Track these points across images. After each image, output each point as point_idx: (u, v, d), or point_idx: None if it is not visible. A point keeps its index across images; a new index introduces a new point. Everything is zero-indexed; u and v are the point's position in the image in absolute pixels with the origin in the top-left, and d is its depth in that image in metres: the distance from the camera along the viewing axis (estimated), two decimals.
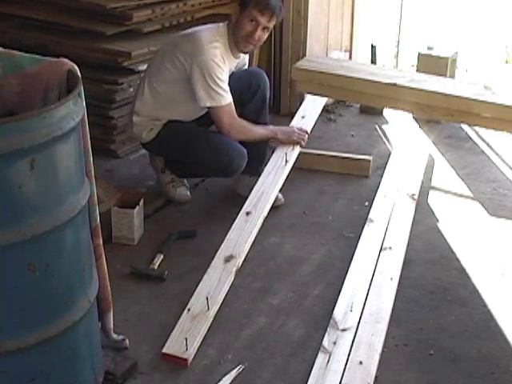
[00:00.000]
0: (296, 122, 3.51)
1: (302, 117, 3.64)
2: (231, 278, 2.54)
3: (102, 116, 3.62)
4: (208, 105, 2.98)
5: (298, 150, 3.27)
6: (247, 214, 2.82)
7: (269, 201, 2.89)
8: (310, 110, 3.69)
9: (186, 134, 3.09)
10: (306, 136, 3.28)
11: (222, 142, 3.07)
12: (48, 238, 1.69)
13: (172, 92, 3.07)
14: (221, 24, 3.08)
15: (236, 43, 3.03)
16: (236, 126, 3.05)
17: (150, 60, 3.24)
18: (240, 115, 3.21)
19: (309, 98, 3.80)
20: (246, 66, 3.37)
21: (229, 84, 3.06)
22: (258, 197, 2.91)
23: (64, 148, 1.69)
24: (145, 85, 3.10)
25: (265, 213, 2.85)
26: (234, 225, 2.75)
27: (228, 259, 2.60)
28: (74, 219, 1.76)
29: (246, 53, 3.15)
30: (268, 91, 3.30)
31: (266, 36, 3.05)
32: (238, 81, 3.17)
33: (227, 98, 2.99)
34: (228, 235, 2.71)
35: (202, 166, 3.13)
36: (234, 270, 2.56)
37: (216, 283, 2.48)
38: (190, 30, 3.09)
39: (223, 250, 2.63)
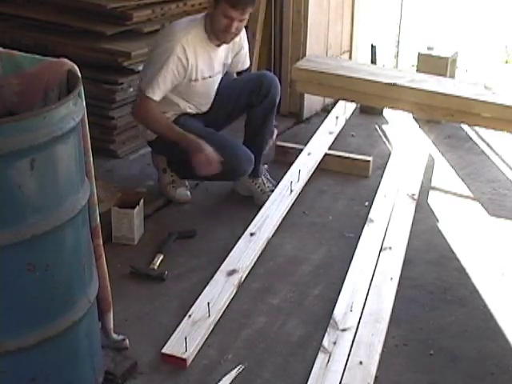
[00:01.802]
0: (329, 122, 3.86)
1: (336, 117, 3.93)
2: (234, 290, 2.56)
3: (102, 116, 3.62)
4: (143, 90, 2.94)
5: (303, 181, 3.36)
6: (251, 234, 2.89)
7: (273, 224, 2.98)
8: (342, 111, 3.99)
9: (194, 134, 3.07)
10: (213, 167, 2.96)
11: (231, 145, 3.06)
12: (48, 238, 1.69)
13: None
14: (198, 16, 3.07)
15: (215, 36, 3.00)
16: (148, 116, 2.99)
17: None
18: (248, 116, 3.21)
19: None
20: (245, 50, 3.28)
21: (239, 85, 3.10)
22: (262, 221, 3.00)
23: (64, 148, 1.69)
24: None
25: (269, 234, 2.93)
26: (237, 244, 2.81)
27: (231, 273, 2.63)
28: (74, 219, 1.76)
29: (228, 43, 3.08)
30: (278, 97, 3.26)
31: (244, 24, 3.00)
32: (249, 82, 3.17)
33: (157, 95, 2.93)
34: (231, 253, 2.75)
35: None
36: (237, 283, 2.58)
37: (218, 293, 2.50)
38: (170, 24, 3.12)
39: (226, 265, 2.67)
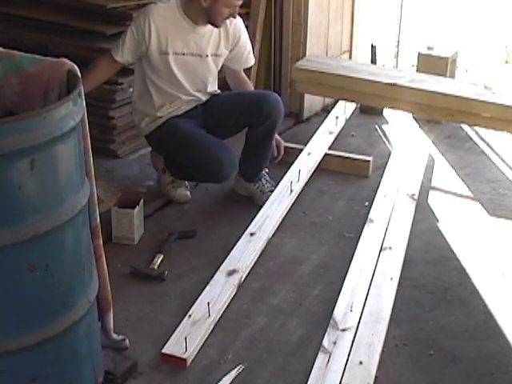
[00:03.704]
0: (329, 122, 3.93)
1: (336, 117, 3.96)
2: (234, 290, 2.56)
3: (101, 116, 3.62)
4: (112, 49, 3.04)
5: (303, 181, 3.36)
6: (251, 234, 2.89)
7: (273, 224, 2.98)
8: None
9: (184, 131, 3.07)
10: None
11: (216, 146, 3.05)
12: (48, 237, 1.69)
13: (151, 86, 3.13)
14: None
15: (211, 22, 3.00)
16: (98, 59, 3.08)
17: None
18: (248, 132, 3.21)
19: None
20: (244, 41, 3.23)
21: (243, 102, 3.13)
22: (262, 221, 3.00)
23: (64, 148, 1.69)
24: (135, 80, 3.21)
25: (269, 234, 2.93)
26: (237, 244, 2.81)
27: (231, 273, 2.63)
28: (74, 219, 1.76)
29: (220, 27, 3.07)
30: (280, 120, 3.20)
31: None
32: (251, 104, 3.15)
33: (116, 55, 3.01)
34: (231, 253, 2.75)
35: (193, 166, 3.11)
36: (237, 283, 2.58)
37: (218, 293, 2.50)
38: None
39: (226, 265, 2.67)
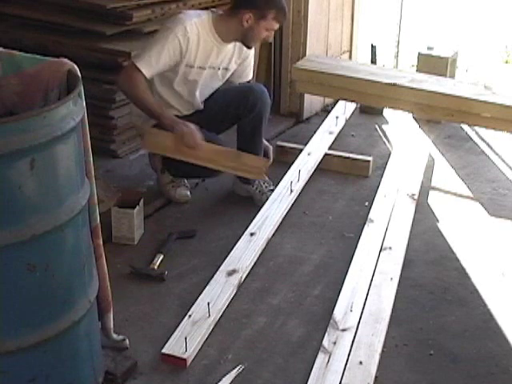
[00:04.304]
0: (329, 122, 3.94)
1: (336, 117, 3.96)
2: (234, 290, 2.57)
3: (101, 116, 3.62)
4: (134, 58, 2.94)
5: (303, 181, 3.37)
6: (251, 234, 2.90)
7: (273, 224, 2.99)
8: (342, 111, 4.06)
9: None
10: (198, 143, 2.93)
11: (215, 139, 3.06)
12: (48, 238, 1.69)
13: (163, 91, 3.09)
14: (204, 11, 3.07)
15: (245, 42, 3.05)
16: (130, 78, 2.90)
17: None
18: (238, 127, 3.21)
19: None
20: (250, 60, 3.29)
21: (229, 94, 3.11)
22: (262, 221, 3.00)
23: (64, 148, 1.69)
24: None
25: (269, 234, 2.93)
26: (237, 244, 2.82)
27: (231, 273, 2.63)
28: (74, 219, 1.76)
29: (252, 47, 3.16)
30: (267, 111, 3.19)
31: None
32: (237, 94, 3.16)
33: (146, 70, 2.88)
34: (231, 253, 2.76)
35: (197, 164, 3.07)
36: (237, 283, 2.58)
37: (218, 293, 2.51)
38: None
39: (226, 265, 2.68)
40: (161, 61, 2.91)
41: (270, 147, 3.39)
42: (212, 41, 3.03)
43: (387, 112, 4.47)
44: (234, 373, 2.20)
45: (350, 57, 4.84)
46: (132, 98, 3.02)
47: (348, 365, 2.19)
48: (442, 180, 3.64)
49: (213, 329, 2.38)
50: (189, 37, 2.93)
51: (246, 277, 2.69)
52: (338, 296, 2.54)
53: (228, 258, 2.73)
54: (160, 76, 3.04)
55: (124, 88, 3.00)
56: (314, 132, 3.90)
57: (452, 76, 4.44)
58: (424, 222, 3.18)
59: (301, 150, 3.65)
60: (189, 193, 3.32)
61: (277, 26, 3.06)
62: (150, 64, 2.90)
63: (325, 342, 2.29)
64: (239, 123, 3.21)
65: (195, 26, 2.96)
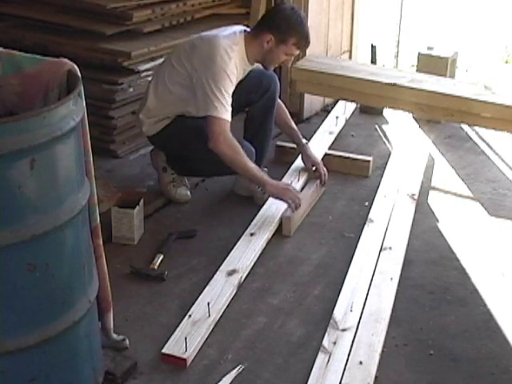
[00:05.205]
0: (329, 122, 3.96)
1: (336, 117, 3.99)
2: (234, 290, 2.57)
3: (101, 116, 3.62)
4: (209, 113, 2.88)
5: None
6: (251, 234, 2.90)
7: (273, 224, 2.99)
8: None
9: (195, 128, 3.02)
10: (299, 201, 3.06)
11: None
12: (48, 237, 1.69)
13: (183, 93, 3.04)
14: (237, 30, 3.04)
15: (264, 63, 3.07)
16: (227, 139, 2.89)
17: (166, 58, 3.20)
18: (247, 114, 3.20)
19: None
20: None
21: (240, 82, 3.06)
22: (262, 221, 3.01)
23: (64, 148, 1.69)
24: (158, 83, 3.08)
25: (269, 234, 2.93)
26: (237, 244, 2.82)
27: (231, 273, 2.63)
28: (74, 219, 1.76)
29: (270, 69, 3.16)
30: (278, 93, 3.27)
31: None
32: (249, 80, 3.15)
33: (228, 115, 2.90)
34: (231, 253, 2.76)
35: (207, 162, 3.06)
36: (237, 283, 2.59)
37: (218, 293, 2.51)
38: (209, 33, 3.05)
39: (226, 265, 2.68)
40: (229, 98, 2.91)
41: (318, 160, 3.43)
42: (245, 65, 3.04)
43: (387, 112, 4.47)
44: (233, 373, 2.20)
45: (350, 57, 4.84)
46: (236, 167, 2.97)
47: (348, 365, 2.19)
48: (442, 180, 3.64)
49: (213, 329, 2.38)
50: (236, 65, 2.94)
51: (246, 277, 2.69)
52: (338, 296, 2.54)
53: (228, 258, 2.73)
54: (179, 77, 3.01)
55: (227, 158, 2.93)
56: (314, 132, 3.90)
57: (452, 76, 4.44)
58: (424, 222, 3.18)
59: None
60: (189, 193, 3.32)
61: (297, 52, 3.06)
62: (228, 109, 2.90)
63: (325, 342, 2.29)
64: (249, 111, 3.22)
65: (238, 51, 2.95)
